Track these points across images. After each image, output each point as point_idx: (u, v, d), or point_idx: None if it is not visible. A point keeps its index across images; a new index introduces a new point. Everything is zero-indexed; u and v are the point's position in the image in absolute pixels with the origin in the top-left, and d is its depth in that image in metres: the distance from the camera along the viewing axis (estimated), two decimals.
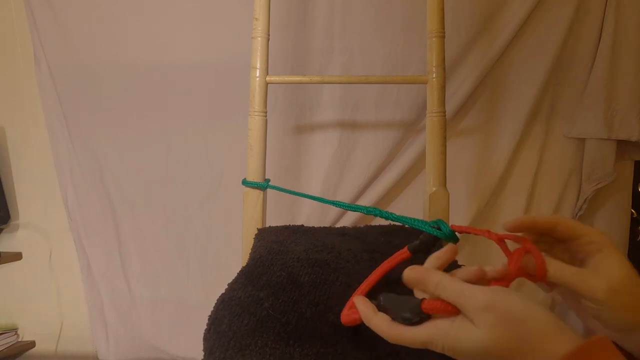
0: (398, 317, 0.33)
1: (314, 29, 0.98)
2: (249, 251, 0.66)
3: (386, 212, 0.48)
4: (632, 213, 1.06)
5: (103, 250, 1.12)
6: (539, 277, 0.33)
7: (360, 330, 0.45)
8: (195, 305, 1.11)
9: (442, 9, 0.71)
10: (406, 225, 0.72)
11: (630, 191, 1.05)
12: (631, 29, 0.93)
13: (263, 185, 0.73)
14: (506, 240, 0.37)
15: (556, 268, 0.33)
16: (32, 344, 1.20)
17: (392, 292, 0.35)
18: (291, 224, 0.72)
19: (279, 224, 0.73)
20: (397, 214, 0.54)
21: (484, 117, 1.02)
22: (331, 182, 1.02)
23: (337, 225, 0.99)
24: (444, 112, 0.72)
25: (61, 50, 1.03)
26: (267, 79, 0.73)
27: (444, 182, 0.72)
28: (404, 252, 0.44)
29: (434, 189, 0.71)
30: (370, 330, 0.45)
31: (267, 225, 0.75)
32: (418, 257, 0.42)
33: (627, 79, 0.95)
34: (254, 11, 0.72)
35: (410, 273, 0.34)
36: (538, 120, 1.02)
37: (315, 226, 0.72)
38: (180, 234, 1.10)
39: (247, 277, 0.54)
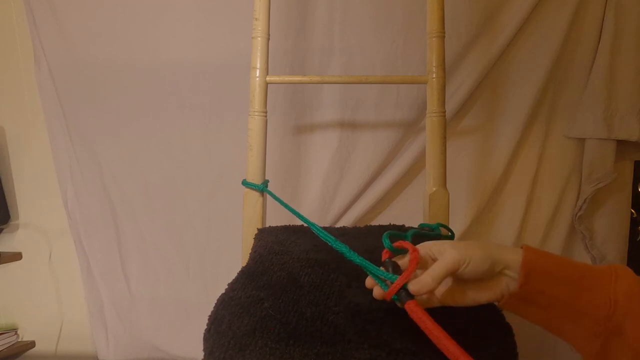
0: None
1: (314, 29, 0.98)
2: (249, 251, 0.66)
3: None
4: (632, 213, 1.06)
5: (103, 250, 1.12)
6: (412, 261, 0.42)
7: (361, 330, 0.45)
8: (195, 305, 1.11)
9: (442, 9, 0.71)
10: (406, 225, 0.72)
11: (630, 191, 1.05)
12: (631, 29, 0.93)
13: (259, 187, 0.73)
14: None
15: (433, 267, 0.41)
16: (32, 344, 1.20)
17: None
18: (291, 224, 0.73)
19: (279, 224, 0.73)
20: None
21: (484, 117, 1.02)
22: (331, 182, 1.02)
23: (337, 226, 0.99)
24: (444, 112, 0.72)
25: (61, 50, 1.03)
26: (267, 79, 0.73)
27: (444, 182, 0.72)
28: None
29: (434, 189, 0.71)
30: (370, 330, 0.45)
31: (267, 225, 0.75)
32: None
33: (627, 79, 0.95)
34: (254, 11, 0.72)
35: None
36: (538, 120, 1.02)
37: None
38: (180, 234, 1.10)
39: (247, 277, 0.55)
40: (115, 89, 1.04)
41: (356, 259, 0.46)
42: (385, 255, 0.45)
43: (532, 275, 0.38)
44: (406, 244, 0.44)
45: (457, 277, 0.42)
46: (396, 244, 0.45)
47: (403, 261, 0.44)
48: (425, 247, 0.44)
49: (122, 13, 1.01)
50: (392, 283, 0.41)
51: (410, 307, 0.39)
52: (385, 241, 0.45)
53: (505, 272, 0.41)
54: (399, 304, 0.41)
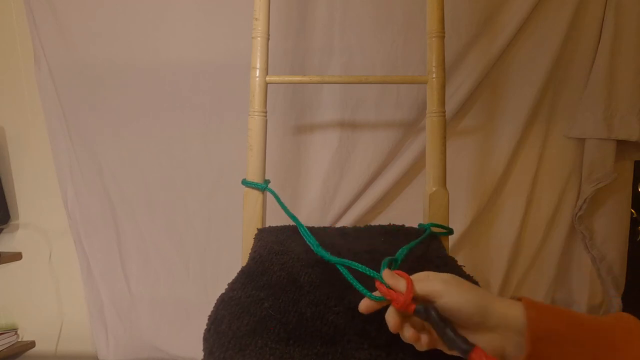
0: (454, 346, 0.36)
1: (314, 29, 0.98)
2: (249, 251, 0.66)
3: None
4: (632, 213, 1.06)
5: (103, 250, 1.12)
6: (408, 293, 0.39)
7: (361, 330, 0.45)
8: (195, 305, 1.11)
9: (442, 9, 0.71)
10: (405, 225, 0.72)
11: (630, 191, 1.05)
12: (631, 29, 0.93)
13: (261, 187, 0.73)
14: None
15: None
16: (32, 344, 1.20)
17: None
18: (291, 224, 0.72)
19: (279, 224, 0.73)
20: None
21: (484, 117, 1.02)
22: (331, 182, 1.02)
23: (337, 225, 0.99)
24: (444, 112, 0.72)
25: (61, 50, 1.03)
26: (267, 79, 0.73)
27: (444, 182, 0.72)
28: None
29: (434, 189, 0.71)
30: (370, 330, 0.45)
31: (267, 225, 0.75)
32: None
33: (627, 79, 0.95)
34: (254, 11, 0.72)
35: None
36: (538, 120, 1.02)
37: (315, 226, 0.72)
38: (180, 234, 1.10)
39: (247, 277, 0.55)
40: (115, 89, 1.04)
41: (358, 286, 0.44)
42: (381, 287, 0.42)
43: (541, 341, 0.33)
44: (401, 274, 0.42)
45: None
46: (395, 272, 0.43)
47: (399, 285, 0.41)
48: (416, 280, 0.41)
49: (122, 13, 1.01)
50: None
51: (479, 354, 0.33)
52: (380, 270, 0.43)
53: (503, 330, 0.35)
54: (459, 354, 0.36)
